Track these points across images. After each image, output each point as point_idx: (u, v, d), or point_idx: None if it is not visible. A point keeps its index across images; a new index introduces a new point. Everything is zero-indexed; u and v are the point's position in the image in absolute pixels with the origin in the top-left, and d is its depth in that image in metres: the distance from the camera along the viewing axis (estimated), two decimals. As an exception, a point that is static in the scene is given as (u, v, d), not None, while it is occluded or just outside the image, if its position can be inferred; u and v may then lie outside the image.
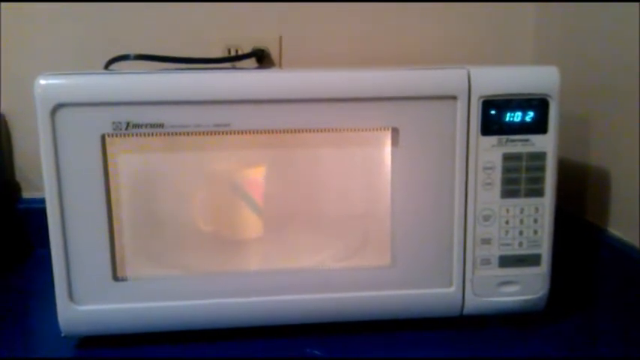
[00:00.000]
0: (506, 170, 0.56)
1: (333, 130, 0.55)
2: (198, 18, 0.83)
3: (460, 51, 0.86)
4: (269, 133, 0.55)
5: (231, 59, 0.81)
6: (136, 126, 0.53)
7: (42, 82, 0.52)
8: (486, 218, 0.57)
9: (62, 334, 0.56)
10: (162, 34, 0.83)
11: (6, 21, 0.81)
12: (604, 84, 0.68)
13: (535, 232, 0.58)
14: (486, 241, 0.57)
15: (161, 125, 0.53)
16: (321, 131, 0.55)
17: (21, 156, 0.85)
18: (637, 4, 0.61)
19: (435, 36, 0.86)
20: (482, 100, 0.55)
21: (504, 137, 0.56)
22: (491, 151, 0.56)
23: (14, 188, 0.85)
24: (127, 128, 0.53)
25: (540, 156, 0.56)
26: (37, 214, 0.62)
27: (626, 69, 0.63)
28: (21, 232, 0.83)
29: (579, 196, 0.72)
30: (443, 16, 0.85)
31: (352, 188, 0.59)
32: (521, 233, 0.57)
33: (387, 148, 0.56)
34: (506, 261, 0.58)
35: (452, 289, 0.58)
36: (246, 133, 0.54)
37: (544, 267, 0.58)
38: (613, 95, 0.66)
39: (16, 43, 0.81)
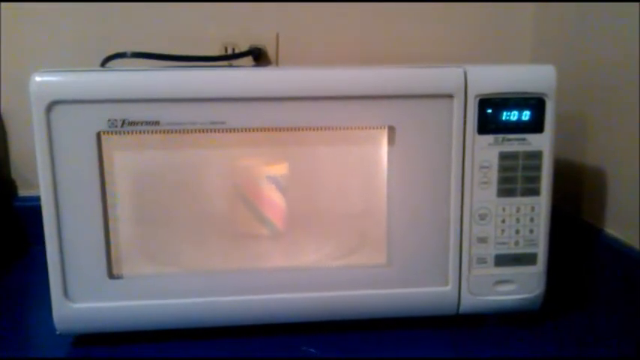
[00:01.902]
0: (502, 169, 0.56)
1: (329, 128, 0.55)
2: (195, 16, 0.82)
3: (458, 50, 0.86)
4: (265, 131, 0.55)
5: (228, 57, 0.81)
6: (132, 123, 0.53)
7: (37, 78, 0.52)
8: (482, 217, 0.57)
9: (57, 332, 0.56)
10: (159, 32, 0.82)
11: (4, 20, 0.80)
12: (601, 83, 0.68)
13: (531, 230, 0.57)
14: (482, 240, 0.57)
15: (157, 123, 0.53)
16: (318, 129, 0.55)
17: (17, 154, 0.85)
18: (636, 4, 0.61)
19: (433, 35, 0.85)
20: (478, 98, 0.55)
21: (501, 136, 0.56)
22: (488, 149, 0.56)
23: (10, 186, 0.85)
24: (122, 126, 0.53)
25: (537, 155, 0.56)
26: (33, 211, 0.62)
27: (624, 68, 0.63)
28: (17, 230, 0.83)
29: (575, 196, 0.72)
30: (441, 15, 0.85)
31: (348, 186, 0.59)
32: (517, 232, 0.57)
33: (384, 147, 0.56)
34: (502, 260, 0.58)
35: (448, 287, 0.58)
36: (242, 131, 0.54)
37: (540, 266, 0.58)
38: (610, 95, 0.66)
39: (13, 41, 0.81)
